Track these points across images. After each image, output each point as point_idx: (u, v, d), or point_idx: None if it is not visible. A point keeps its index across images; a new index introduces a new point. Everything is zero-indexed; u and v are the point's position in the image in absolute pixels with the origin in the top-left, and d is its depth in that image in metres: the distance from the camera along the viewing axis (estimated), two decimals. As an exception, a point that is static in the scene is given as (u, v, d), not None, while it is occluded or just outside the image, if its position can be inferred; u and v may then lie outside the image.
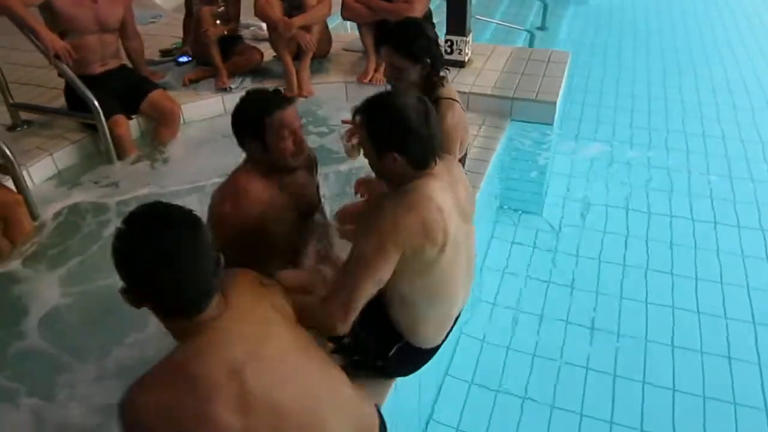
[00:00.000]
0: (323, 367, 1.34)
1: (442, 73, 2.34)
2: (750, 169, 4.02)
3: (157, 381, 1.13)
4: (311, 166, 2.22)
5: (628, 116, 4.76)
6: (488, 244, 3.39)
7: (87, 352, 2.22)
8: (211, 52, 3.78)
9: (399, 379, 1.91)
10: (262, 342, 1.22)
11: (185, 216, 1.18)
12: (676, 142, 4.38)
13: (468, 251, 1.79)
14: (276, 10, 3.66)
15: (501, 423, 2.40)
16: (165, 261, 1.11)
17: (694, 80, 5.33)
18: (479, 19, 5.61)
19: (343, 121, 2.51)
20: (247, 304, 1.27)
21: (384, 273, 1.55)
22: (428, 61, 2.21)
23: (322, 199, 2.39)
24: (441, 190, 1.61)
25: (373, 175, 1.80)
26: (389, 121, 1.58)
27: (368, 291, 1.54)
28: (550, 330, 2.82)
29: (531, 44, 5.48)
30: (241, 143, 1.95)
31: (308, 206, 2.19)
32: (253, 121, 1.87)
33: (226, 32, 3.89)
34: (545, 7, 6.52)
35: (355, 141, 2.29)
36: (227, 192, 1.94)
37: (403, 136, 1.57)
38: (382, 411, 1.58)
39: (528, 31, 5.68)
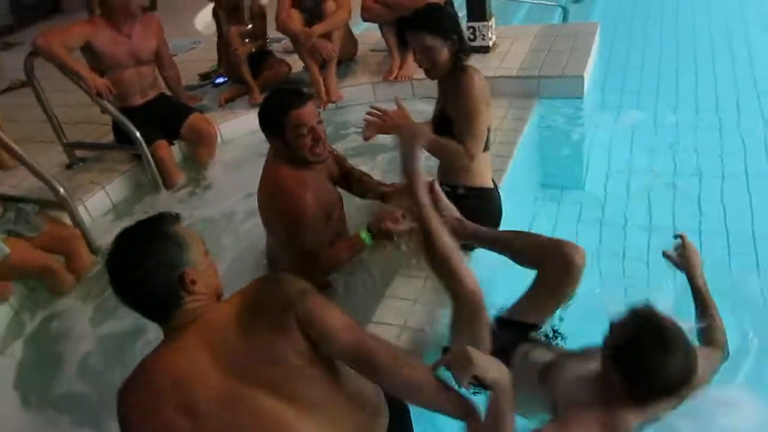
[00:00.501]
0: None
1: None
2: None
3: (128, 380, 1.28)
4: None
5: (672, 82, 4.54)
6: (530, 223, 3.33)
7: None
8: (242, 70, 3.95)
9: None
10: (210, 371, 1.25)
11: (143, 232, 1.31)
12: (724, 104, 4.13)
13: None
14: (296, 22, 3.78)
15: None
16: (116, 275, 1.27)
17: (745, 44, 4.99)
18: (511, 0, 5.54)
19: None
20: (229, 326, 1.28)
21: None
22: (456, 37, 2.21)
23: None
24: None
25: None
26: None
27: None
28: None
29: (565, 20, 5.35)
30: (269, 140, 2.17)
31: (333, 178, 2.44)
32: (274, 121, 2.07)
33: (254, 49, 4.06)
34: (580, -21, 6.32)
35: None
36: (284, 185, 2.15)
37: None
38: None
39: (561, 7, 5.53)
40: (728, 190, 3.29)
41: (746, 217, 3.08)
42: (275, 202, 2.21)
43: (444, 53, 2.19)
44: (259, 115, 2.13)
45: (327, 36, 3.82)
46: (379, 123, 2.29)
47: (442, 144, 2.22)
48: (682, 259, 1.93)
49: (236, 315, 1.30)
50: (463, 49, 2.25)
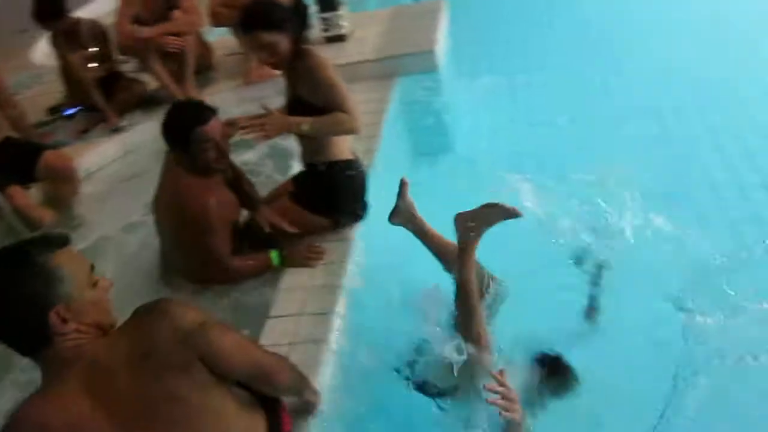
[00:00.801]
0: None
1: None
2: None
3: None
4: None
5: (521, 47, 4.85)
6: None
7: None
8: (93, 95, 3.75)
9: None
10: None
11: (9, 261, 1.20)
12: (568, 60, 4.48)
13: None
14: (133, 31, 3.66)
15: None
16: None
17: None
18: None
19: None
20: (118, 370, 1.23)
21: None
22: (290, 25, 2.21)
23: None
24: None
25: None
26: None
27: None
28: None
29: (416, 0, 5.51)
30: (171, 150, 2.23)
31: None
32: (179, 135, 2.15)
33: (104, 72, 3.85)
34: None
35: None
36: (188, 191, 2.22)
37: None
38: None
39: (409, -13, 5.69)
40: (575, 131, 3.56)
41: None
42: (179, 208, 2.26)
43: (284, 44, 2.21)
44: (164, 127, 2.18)
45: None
46: (260, 133, 2.24)
47: (324, 121, 2.25)
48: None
49: (126, 356, 1.23)
50: (301, 35, 2.27)
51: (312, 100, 2.27)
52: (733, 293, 2.34)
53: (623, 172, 2.67)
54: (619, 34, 4.66)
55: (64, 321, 1.18)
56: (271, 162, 3.29)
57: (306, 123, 2.24)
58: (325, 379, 1.92)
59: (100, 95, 3.78)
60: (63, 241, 1.26)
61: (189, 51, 3.84)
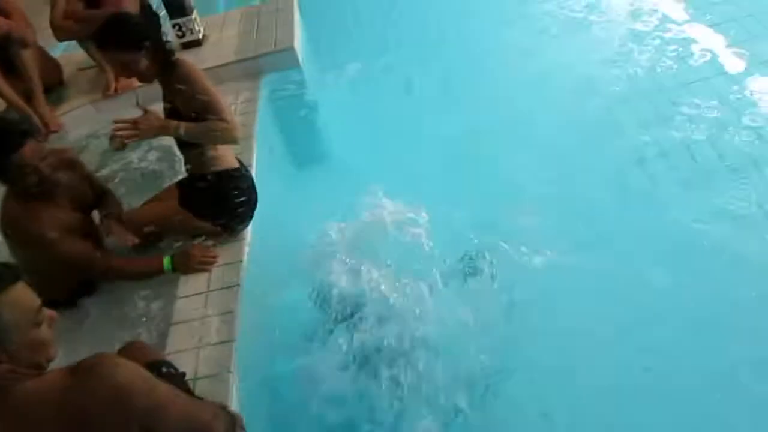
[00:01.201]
0: None
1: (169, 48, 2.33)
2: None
3: None
4: (71, 165, 2.43)
5: (377, 33, 5.10)
6: (290, 186, 3.57)
7: None
8: None
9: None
10: None
11: None
12: (420, 47, 4.80)
13: None
14: None
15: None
16: None
17: None
18: (206, -10, 5.58)
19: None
20: None
21: None
22: (147, 42, 2.20)
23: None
24: None
25: None
26: None
27: None
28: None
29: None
30: None
31: (85, 199, 2.46)
32: None
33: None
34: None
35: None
36: (16, 221, 2.20)
37: None
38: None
39: (256, -14, 5.76)
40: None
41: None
42: (16, 235, 2.26)
43: (142, 62, 2.21)
44: None
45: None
46: (133, 132, 2.26)
47: (199, 127, 2.27)
48: None
49: (56, 416, 1.20)
50: (162, 49, 2.26)
51: (188, 113, 2.28)
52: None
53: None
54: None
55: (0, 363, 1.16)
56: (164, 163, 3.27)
57: (182, 127, 2.26)
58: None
59: None
60: (12, 279, 1.19)
61: (31, 67, 3.65)
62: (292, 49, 3.72)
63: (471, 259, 2.61)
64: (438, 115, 3.89)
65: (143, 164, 3.27)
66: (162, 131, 2.32)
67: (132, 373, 1.27)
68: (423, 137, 3.73)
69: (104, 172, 3.27)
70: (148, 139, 2.45)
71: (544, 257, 2.68)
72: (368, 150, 3.59)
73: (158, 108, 2.42)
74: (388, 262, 2.48)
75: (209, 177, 2.46)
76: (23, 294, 1.20)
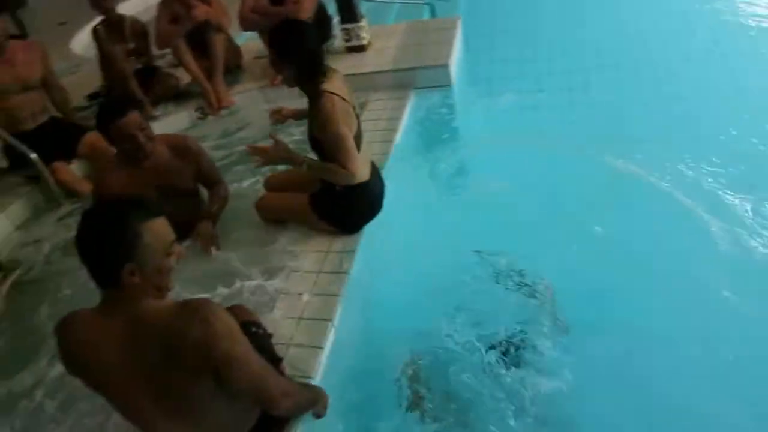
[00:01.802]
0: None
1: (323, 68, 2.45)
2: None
3: (60, 323, 1.57)
4: (181, 152, 2.71)
5: (532, 66, 5.10)
6: (415, 198, 3.67)
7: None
8: (130, 85, 4.08)
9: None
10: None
11: (115, 214, 1.43)
12: (574, 82, 4.72)
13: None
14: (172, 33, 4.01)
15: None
16: (79, 234, 1.42)
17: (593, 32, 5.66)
18: (380, 1, 5.94)
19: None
20: (147, 341, 1.44)
21: None
22: (295, 58, 2.38)
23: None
24: None
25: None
26: None
27: None
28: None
29: (433, 15, 5.83)
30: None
31: (172, 186, 2.70)
32: (101, 130, 2.48)
33: (141, 65, 4.19)
34: (444, -22, 6.86)
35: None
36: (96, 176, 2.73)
37: None
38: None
39: (427, 4, 6.01)
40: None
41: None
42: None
43: (286, 70, 2.41)
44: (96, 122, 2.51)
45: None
46: (263, 160, 2.52)
47: (321, 167, 2.50)
48: None
49: (159, 334, 1.43)
50: (311, 72, 2.39)
51: (322, 141, 2.46)
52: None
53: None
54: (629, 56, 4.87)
55: (132, 275, 1.40)
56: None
57: (306, 164, 2.48)
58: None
59: (136, 86, 4.12)
60: (158, 212, 1.47)
61: (219, 50, 4.17)
62: (446, 66, 3.87)
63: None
64: (589, 164, 3.62)
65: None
66: (288, 162, 2.54)
67: (225, 324, 1.46)
68: (568, 185, 3.47)
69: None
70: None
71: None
72: (504, 184, 3.49)
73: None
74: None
75: (338, 188, 2.59)
76: (164, 226, 1.48)
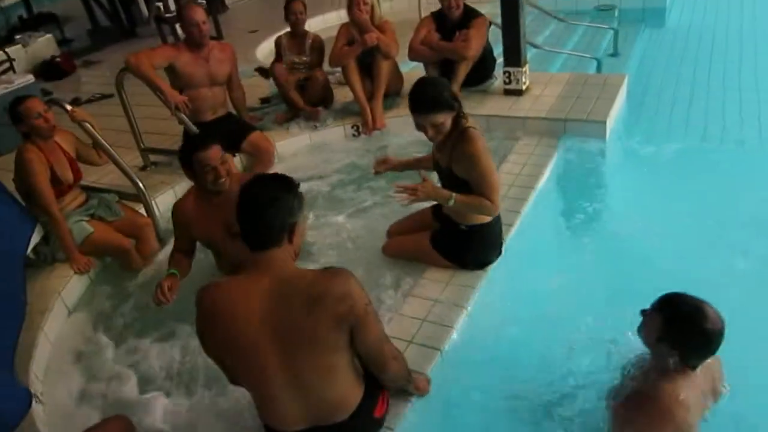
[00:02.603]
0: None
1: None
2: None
3: (209, 287, 1.79)
4: None
5: (699, 132, 4.79)
6: (549, 249, 3.58)
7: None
8: (291, 96, 4.49)
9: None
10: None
11: (283, 183, 1.73)
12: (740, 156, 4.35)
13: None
14: (348, 54, 4.31)
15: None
16: (247, 197, 1.71)
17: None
18: (549, 50, 5.94)
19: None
20: (294, 295, 1.66)
21: None
22: (456, 104, 2.46)
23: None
24: (692, 384, 1.78)
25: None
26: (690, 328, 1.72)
27: None
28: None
29: (599, 70, 5.71)
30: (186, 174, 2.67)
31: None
32: (184, 159, 2.59)
33: (305, 77, 4.57)
34: (616, 34, 6.72)
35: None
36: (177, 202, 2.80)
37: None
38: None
39: (595, 59, 5.91)
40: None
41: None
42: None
43: (449, 122, 2.45)
44: (179, 154, 2.64)
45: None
46: (412, 197, 2.53)
47: (468, 202, 2.54)
48: None
49: (305, 287, 1.64)
50: (461, 112, 2.48)
51: (464, 178, 2.52)
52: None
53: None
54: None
55: (291, 234, 1.67)
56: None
57: (452, 199, 2.51)
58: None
59: (297, 96, 4.52)
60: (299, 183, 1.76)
61: (384, 75, 4.40)
62: (603, 123, 3.78)
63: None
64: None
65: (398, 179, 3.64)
66: (436, 198, 2.58)
67: (360, 287, 1.70)
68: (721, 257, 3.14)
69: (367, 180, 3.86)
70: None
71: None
72: (645, 247, 3.32)
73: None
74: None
75: (463, 227, 2.68)
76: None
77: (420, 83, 2.49)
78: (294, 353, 1.67)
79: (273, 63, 4.66)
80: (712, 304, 1.75)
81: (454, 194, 2.52)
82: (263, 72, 5.12)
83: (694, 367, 1.77)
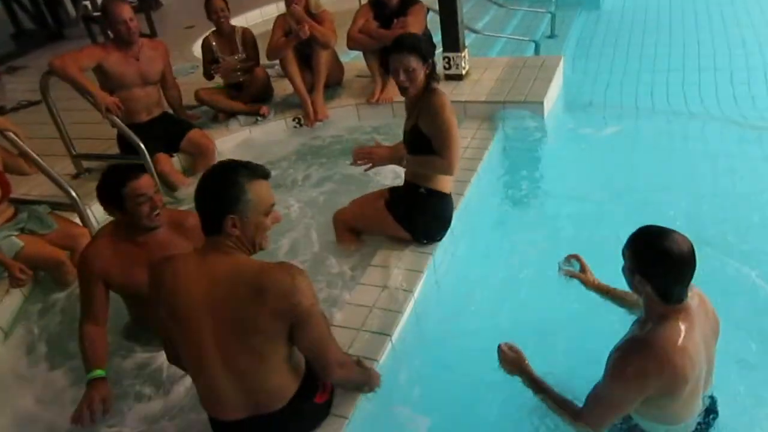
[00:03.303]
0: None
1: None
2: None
3: (159, 261, 1.81)
4: (177, 227, 2.43)
5: (633, 114, 4.93)
6: (492, 226, 3.63)
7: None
8: (227, 107, 4.50)
9: None
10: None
11: (226, 171, 1.67)
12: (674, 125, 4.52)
13: (709, 366, 1.84)
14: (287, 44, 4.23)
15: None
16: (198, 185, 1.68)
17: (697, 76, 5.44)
18: (488, 35, 5.99)
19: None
20: (239, 282, 1.65)
21: (626, 411, 1.81)
22: (431, 61, 2.55)
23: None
24: (689, 332, 1.70)
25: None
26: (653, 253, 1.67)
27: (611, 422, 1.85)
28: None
29: (537, 53, 5.81)
30: (109, 213, 2.38)
31: None
32: (109, 193, 2.27)
33: (242, 79, 4.48)
34: (553, 17, 6.85)
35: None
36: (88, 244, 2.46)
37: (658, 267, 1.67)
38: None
39: (533, 42, 6.00)
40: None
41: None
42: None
43: (421, 74, 2.52)
44: (98, 190, 2.31)
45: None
46: (369, 162, 2.73)
47: (424, 161, 2.62)
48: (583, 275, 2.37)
49: (249, 279, 1.63)
50: (433, 74, 2.59)
51: (428, 133, 2.57)
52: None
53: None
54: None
55: (234, 226, 1.63)
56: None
57: (405, 160, 2.66)
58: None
59: (235, 104, 4.47)
60: (264, 175, 1.70)
61: (323, 66, 4.34)
62: (540, 104, 3.84)
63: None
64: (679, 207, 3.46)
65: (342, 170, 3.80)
66: (392, 160, 2.73)
67: (309, 284, 1.68)
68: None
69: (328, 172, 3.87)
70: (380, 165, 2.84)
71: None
72: (578, 217, 3.44)
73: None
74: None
75: (422, 190, 2.72)
76: (266, 188, 1.69)
77: (406, 34, 2.71)
78: (230, 337, 1.67)
79: (197, 91, 4.52)
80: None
81: (407, 155, 2.65)
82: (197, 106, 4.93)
83: (678, 300, 1.70)
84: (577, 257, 2.45)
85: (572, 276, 2.41)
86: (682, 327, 1.69)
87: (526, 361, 2.11)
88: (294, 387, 1.84)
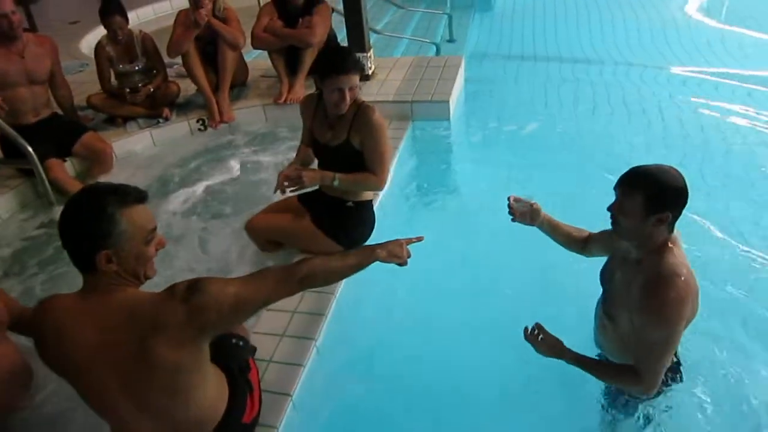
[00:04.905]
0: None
1: None
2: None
3: (40, 304, 1.60)
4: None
5: (529, 107, 5.22)
6: (405, 227, 3.70)
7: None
8: (125, 114, 4.22)
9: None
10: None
11: (90, 200, 1.44)
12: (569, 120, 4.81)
13: None
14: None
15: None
16: (60, 222, 1.44)
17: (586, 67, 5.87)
18: (390, 35, 6.09)
19: None
20: (124, 320, 1.44)
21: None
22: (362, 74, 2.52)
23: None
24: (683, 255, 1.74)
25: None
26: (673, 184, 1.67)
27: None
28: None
29: (438, 54, 5.97)
30: None
31: None
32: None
33: (152, 89, 4.22)
34: (450, 19, 7.05)
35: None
36: None
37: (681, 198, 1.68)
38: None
39: (434, 44, 6.17)
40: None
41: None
42: None
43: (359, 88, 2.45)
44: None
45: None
46: (298, 186, 2.49)
47: (353, 180, 2.52)
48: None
49: (141, 313, 1.43)
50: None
51: (362, 150, 2.48)
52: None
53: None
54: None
55: (109, 262, 1.41)
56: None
57: (337, 179, 2.49)
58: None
59: (132, 109, 4.21)
60: (139, 199, 1.46)
61: (229, 65, 4.22)
62: (446, 102, 3.96)
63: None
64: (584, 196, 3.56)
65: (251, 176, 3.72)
66: (322, 181, 2.55)
67: (208, 279, 1.49)
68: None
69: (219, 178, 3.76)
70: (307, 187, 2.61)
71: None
72: (490, 211, 3.56)
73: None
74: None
75: (350, 204, 2.66)
76: (143, 213, 1.47)
77: (334, 48, 2.54)
78: (133, 380, 1.48)
79: (89, 97, 4.22)
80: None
81: (337, 174, 2.50)
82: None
83: (672, 230, 1.74)
84: (517, 198, 2.32)
85: (526, 212, 2.27)
86: (680, 248, 1.76)
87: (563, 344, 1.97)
88: (221, 410, 1.71)
